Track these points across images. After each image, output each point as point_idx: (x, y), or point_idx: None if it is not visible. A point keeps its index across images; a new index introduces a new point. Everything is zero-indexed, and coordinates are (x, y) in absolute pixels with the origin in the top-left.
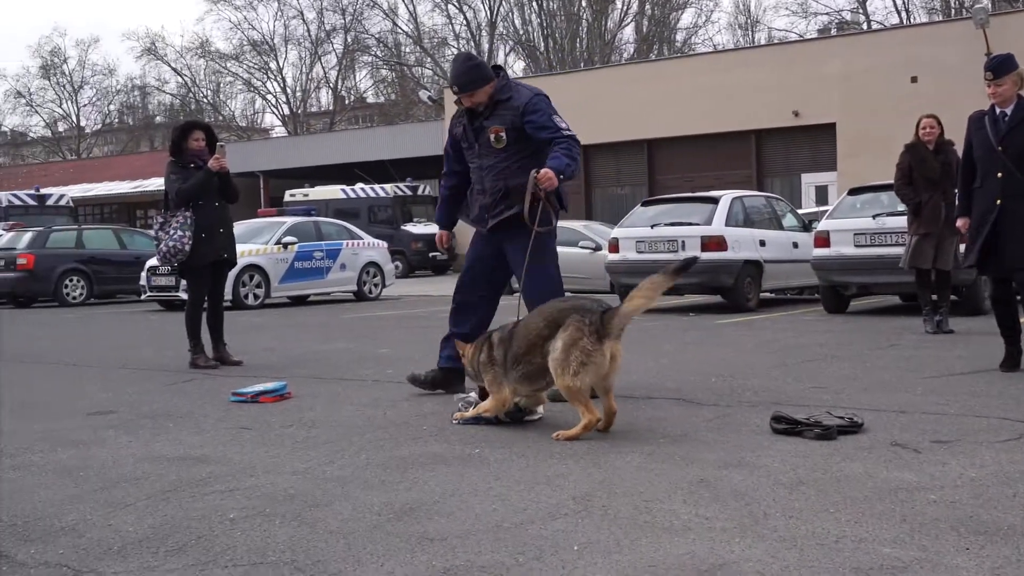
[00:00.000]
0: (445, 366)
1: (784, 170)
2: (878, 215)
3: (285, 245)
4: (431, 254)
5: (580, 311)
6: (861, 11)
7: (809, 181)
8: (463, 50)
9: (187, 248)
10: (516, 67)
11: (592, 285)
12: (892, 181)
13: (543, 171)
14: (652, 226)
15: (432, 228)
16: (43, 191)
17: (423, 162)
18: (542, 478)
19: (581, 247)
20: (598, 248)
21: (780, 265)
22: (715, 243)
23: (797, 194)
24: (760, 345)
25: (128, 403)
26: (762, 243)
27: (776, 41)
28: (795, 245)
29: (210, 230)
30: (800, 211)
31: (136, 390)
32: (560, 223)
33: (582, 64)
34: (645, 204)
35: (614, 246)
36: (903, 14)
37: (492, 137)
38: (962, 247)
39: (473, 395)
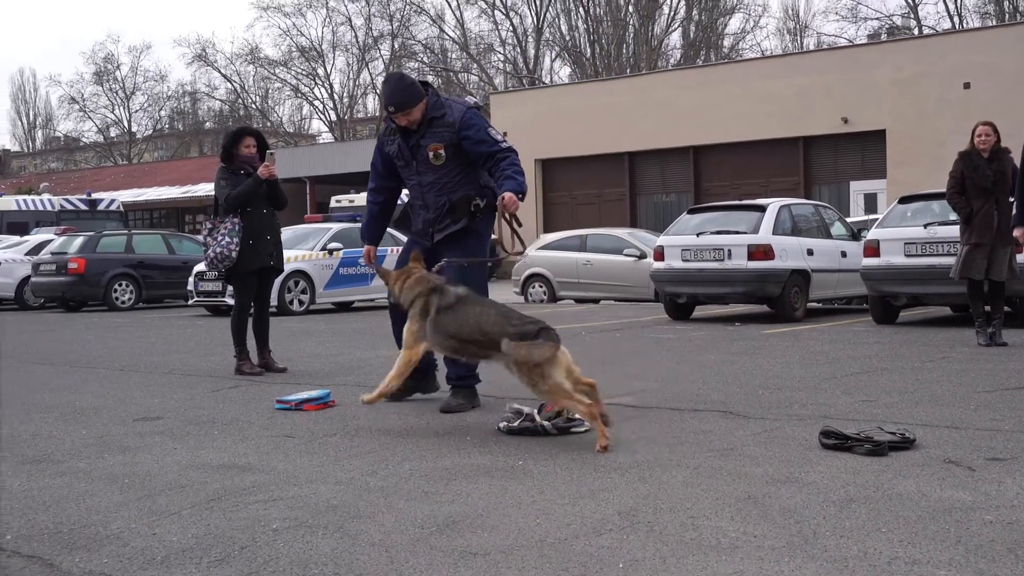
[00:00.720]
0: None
1: (832, 177)
2: (929, 224)
3: (330, 251)
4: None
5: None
6: (912, 16)
7: (858, 189)
8: (394, 70)
9: (234, 255)
10: (562, 73)
11: (636, 293)
12: (944, 190)
13: (507, 196)
14: (698, 234)
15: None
16: (94, 196)
17: None
18: (586, 492)
19: (626, 255)
20: (643, 256)
21: (828, 275)
22: (762, 252)
23: (845, 202)
24: (808, 357)
25: (174, 409)
26: (810, 252)
27: (825, 47)
28: (843, 254)
29: (257, 237)
30: (849, 219)
31: (182, 396)
32: (603, 230)
33: (628, 70)
34: (691, 212)
35: (659, 254)
36: (955, 19)
37: (431, 155)
38: (1018, 257)
39: (525, 408)
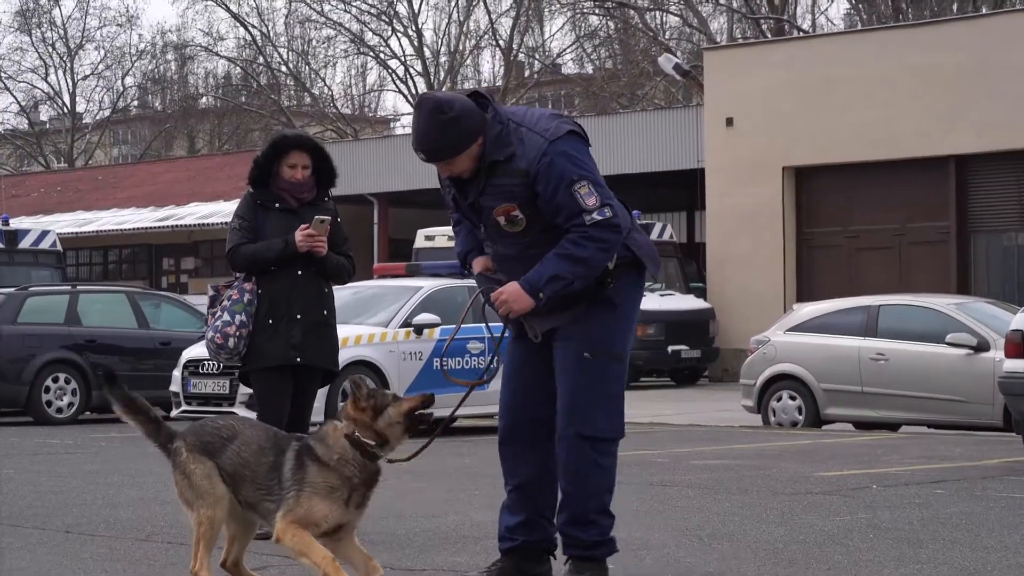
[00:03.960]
0: (509, 547)
1: None
2: None
3: (418, 329)
4: (673, 349)
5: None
6: None
7: None
8: (426, 92)
9: (233, 344)
10: (833, 14)
11: (969, 414)
12: None
13: (506, 291)
14: None
15: (685, 300)
16: (13, 224)
17: (663, 179)
18: None
19: (951, 343)
20: (982, 347)
21: None
22: None
23: None
24: None
25: None
26: None
27: None
28: None
29: (281, 314)
30: None
31: None
32: (909, 298)
33: (961, 8)
34: None
35: (1017, 345)
36: None
37: (502, 220)
38: None
39: None
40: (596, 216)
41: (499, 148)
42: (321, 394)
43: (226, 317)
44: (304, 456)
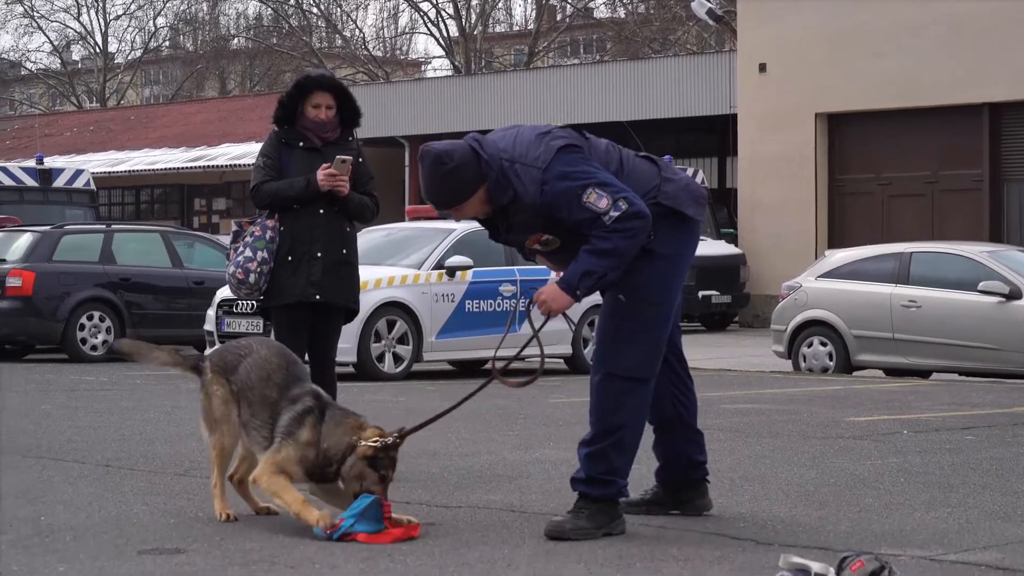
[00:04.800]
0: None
1: None
2: None
3: (451, 271)
4: (703, 294)
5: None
6: None
7: None
8: (426, 145)
9: (254, 280)
10: None
11: (1001, 362)
12: None
13: (544, 292)
14: None
15: (716, 246)
16: (48, 163)
17: (694, 124)
18: None
19: (983, 291)
20: (1015, 295)
21: None
22: None
23: None
24: None
25: (204, 536)
26: None
27: None
28: None
29: (302, 252)
30: None
31: (208, 512)
32: (941, 245)
33: None
34: None
35: None
36: None
37: (537, 247)
38: None
39: (814, 564)
40: (612, 214)
41: (501, 193)
42: (352, 333)
43: (248, 253)
44: (309, 417)
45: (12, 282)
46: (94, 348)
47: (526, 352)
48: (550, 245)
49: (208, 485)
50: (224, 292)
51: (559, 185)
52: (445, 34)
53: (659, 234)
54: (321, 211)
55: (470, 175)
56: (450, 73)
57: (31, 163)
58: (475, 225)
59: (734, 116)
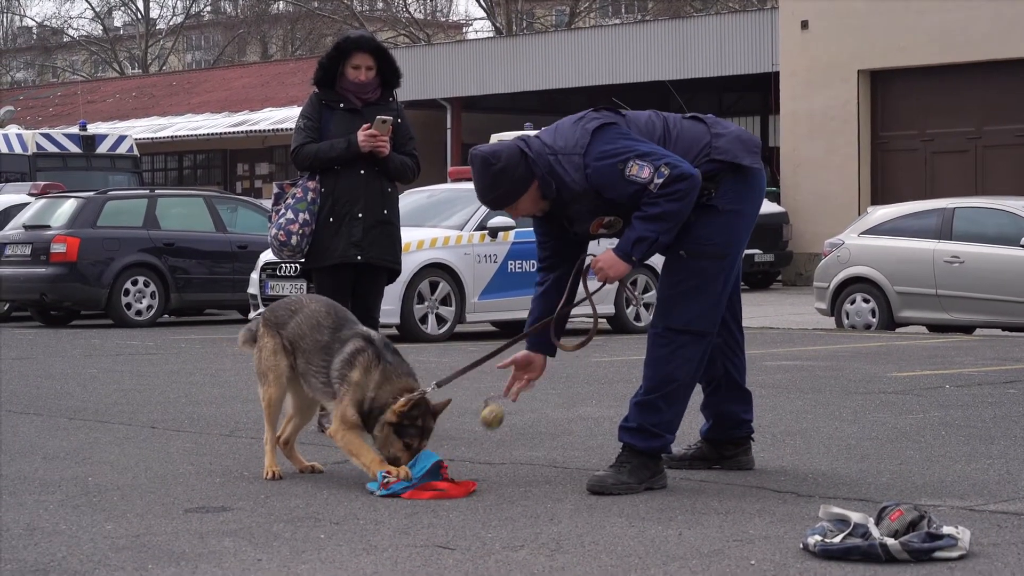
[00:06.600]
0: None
1: None
2: None
3: (493, 232)
4: (746, 252)
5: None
6: None
7: None
8: (475, 148)
9: (296, 242)
10: None
11: None
12: None
13: (601, 259)
14: None
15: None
16: (91, 129)
17: (736, 83)
18: None
19: None
20: None
21: None
22: None
23: None
24: None
25: (248, 494)
26: None
27: None
28: None
29: (343, 213)
30: None
31: (254, 471)
32: (985, 200)
33: None
34: None
35: None
36: None
37: (602, 231)
38: None
39: (853, 514)
40: (657, 181)
41: (551, 186)
42: (395, 295)
43: (289, 215)
44: (360, 356)
45: (57, 248)
46: (139, 313)
47: (574, 312)
48: (614, 227)
49: (253, 445)
50: (267, 255)
51: (600, 165)
52: None
53: (720, 190)
54: (362, 172)
55: (519, 173)
56: (491, 34)
57: (74, 130)
58: None
59: (776, 74)
